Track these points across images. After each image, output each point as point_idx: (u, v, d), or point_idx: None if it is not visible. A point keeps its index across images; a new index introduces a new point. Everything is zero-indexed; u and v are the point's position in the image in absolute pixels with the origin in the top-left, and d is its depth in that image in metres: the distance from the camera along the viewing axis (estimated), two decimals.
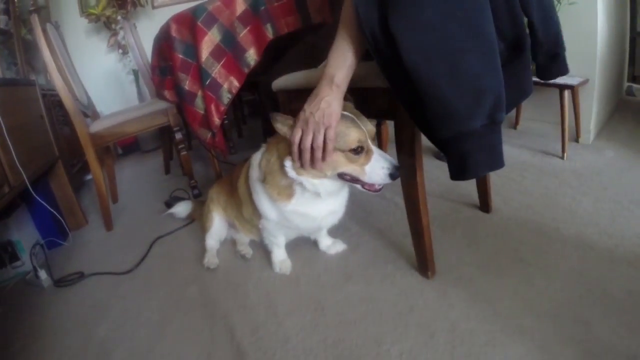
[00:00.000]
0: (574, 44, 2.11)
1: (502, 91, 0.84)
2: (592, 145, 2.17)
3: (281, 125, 1.09)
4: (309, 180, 1.11)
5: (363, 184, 1.10)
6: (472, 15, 0.81)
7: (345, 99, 1.11)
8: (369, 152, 1.07)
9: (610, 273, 1.14)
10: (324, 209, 1.24)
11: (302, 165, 1.07)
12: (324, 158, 1.03)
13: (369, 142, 1.06)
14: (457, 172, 0.92)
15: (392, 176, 1.05)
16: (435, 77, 0.81)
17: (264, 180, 1.22)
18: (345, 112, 1.06)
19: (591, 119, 2.18)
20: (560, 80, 2.03)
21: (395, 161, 1.06)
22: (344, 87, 1.00)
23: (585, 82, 2.09)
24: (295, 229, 1.34)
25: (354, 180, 1.10)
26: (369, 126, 1.08)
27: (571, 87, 1.98)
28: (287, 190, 1.18)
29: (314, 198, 1.17)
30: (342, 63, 0.98)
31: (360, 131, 1.04)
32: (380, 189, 1.10)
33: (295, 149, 1.05)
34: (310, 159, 1.04)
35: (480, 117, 0.84)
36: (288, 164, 1.11)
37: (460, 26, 0.80)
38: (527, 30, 0.93)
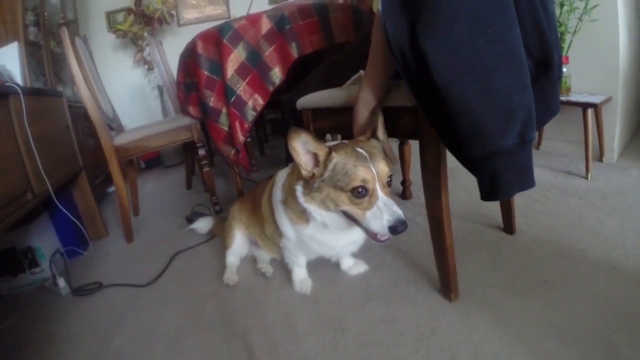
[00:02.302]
0: (596, 62, 2.12)
1: (532, 109, 0.84)
2: (616, 164, 2.12)
3: (301, 145, 1.03)
4: (317, 210, 1.10)
5: (365, 230, 1.04)
6: (501, 33, 0.80)
7: (372, 135, 1.11)
8: (373, 197, 1.00)
9: (637, 295, 1.10)
10: (342, 238, 1.22)
11: None
12: None
13: (377, 185, 1.00)
14: (489, 193, 0.90)
15: (394, 230, 0.96)
16: (467, 96, 0.80)
17: (284, 202, 1.21)
18: (360, 149, 1.03)
19: (615, 138, 2.14)
20: (583, 98, 2.01)
21: (402, 215, 0.98)
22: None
23: (608, 100, 2.05)
24: (314, 253, 1.34)
25: (356, 222, 1.05)
26: (382, 167, 1.02)
27: (594, 106, 1.95)
28: (305, 215, 1.16)
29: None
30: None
31: (367, 172, 0.99)
32: (385, 240, 1.03)
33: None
34: None
35: (512, 136, 0.83)
36: (299, 189, 1.11)
37: (490, 44, 0.79)
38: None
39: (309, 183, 1.07)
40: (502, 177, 0.87)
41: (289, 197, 1.18)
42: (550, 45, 0.90)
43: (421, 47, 0.82)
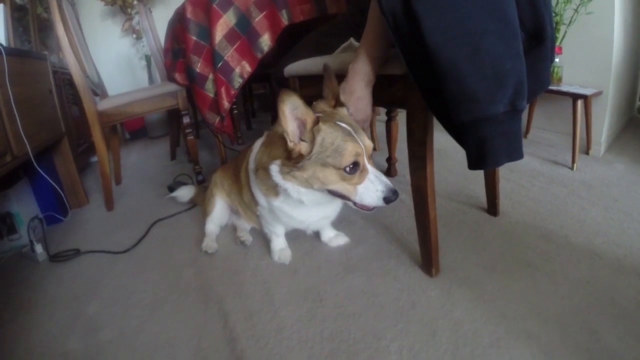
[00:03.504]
0: (590, 54, 2.11)
1: (524, 76, 0.82)
2: (602, 158, 2.13)
3: (290, 109, 0.94)
4: (295, 187, 1.06)
5: (354, 203, 1.03)
6: None
7: (337, 102, 1.08)
8: (363, 171, 1.00)
9: (618, 282, 1.11)
10: (314, 214, 1.22)
11: None
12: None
13: (365, 159, 1.00)
14: (476, 160, 0.89)
15: (387, 200, 0.98)
16: (457, 58, 0.79)
17: (255, 172, 1.19)
18: (343, 124, 0.99)
19: (603, 131, 2.15)
20: (574, 89, 2.01)
21: (391, 184, 0.99)
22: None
23: (598, 93, 2.05)
24: (285, 224, 1.32)
25: (344, 197, 1.04)
26: (367, 141, 1.01)
27: (584, 97, 1.94)
28: (274, 189, 1.14)
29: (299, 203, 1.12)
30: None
31: (357, 145, 0.97)
32: (373, 209, 1.03)
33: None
34: None
35: (502, 102, 0.81)
36: (274, 168, 1.07)
37: (482, 7, 0.78)
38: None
39: (292, 160, 1.01)
40: (490, 144, 0.85)
41: (260, 168, 1.15)
42: (543, 18, 0.88)
43: (413, 8, 0.80)
